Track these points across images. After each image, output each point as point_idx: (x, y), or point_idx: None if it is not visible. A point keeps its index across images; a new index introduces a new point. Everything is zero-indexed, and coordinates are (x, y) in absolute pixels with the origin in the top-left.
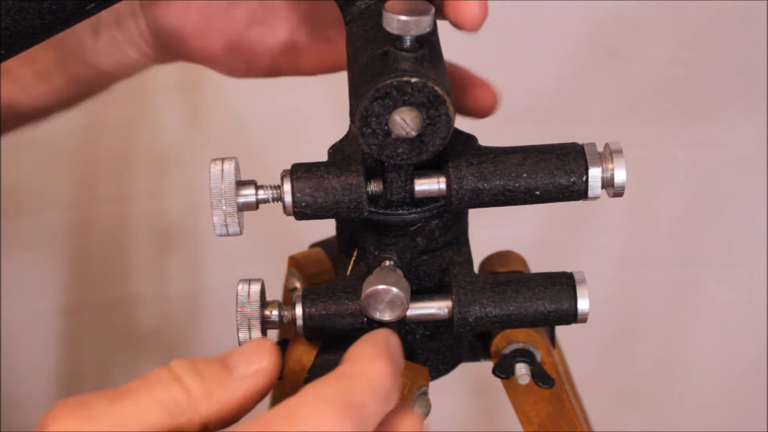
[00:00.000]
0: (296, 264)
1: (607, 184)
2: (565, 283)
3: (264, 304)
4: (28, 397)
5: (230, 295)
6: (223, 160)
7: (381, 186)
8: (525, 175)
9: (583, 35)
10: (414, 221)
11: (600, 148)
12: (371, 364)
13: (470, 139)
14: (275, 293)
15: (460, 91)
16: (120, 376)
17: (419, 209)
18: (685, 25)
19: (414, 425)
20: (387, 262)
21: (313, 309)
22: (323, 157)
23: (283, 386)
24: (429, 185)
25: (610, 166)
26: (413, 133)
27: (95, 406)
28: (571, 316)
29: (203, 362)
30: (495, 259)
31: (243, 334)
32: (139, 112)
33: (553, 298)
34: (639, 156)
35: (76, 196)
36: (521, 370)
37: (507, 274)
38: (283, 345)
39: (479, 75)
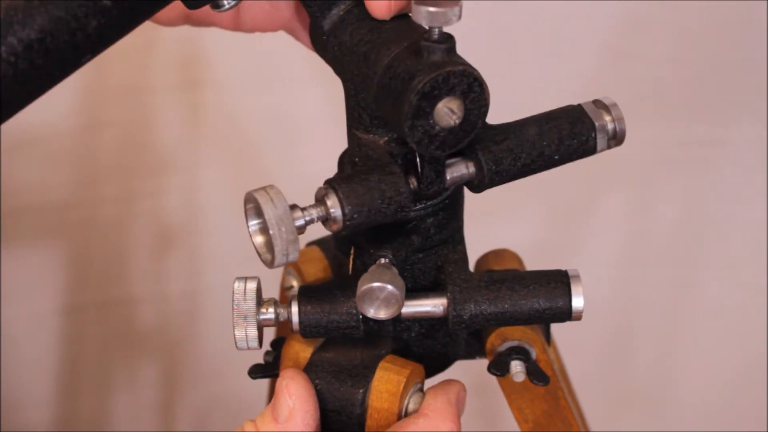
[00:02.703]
0: (293, 262)
1: (611, 135)
2: (559, 281)
3: (260, 302)
4: (28, 397)
5: (229, 295)
6: (266, 188)
7: (416, 182)
8: (545, 143)
9: (583, 36)
10: (409, 219)
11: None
12: (442, 423)
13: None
14: (272, 291)
15: None
16: (120, 376)
17: (415, 207)
18: (686, 25)
19: None
20: (382, 260)
21: (309, 307)
22: (321, 157)
23: None
24: (459, 171)
25: (609, 118)
26: (458, 121)
27: None
28: (566, 314)
29: (261, 418)
30: (490, 257)
31: (239, 332)
32: (139, 112)
33: (547, 295)
34: (639, 156)
35: (76, 196)
36: (516, 367)
37: (502, 272)
38: (280, 343)
39: None
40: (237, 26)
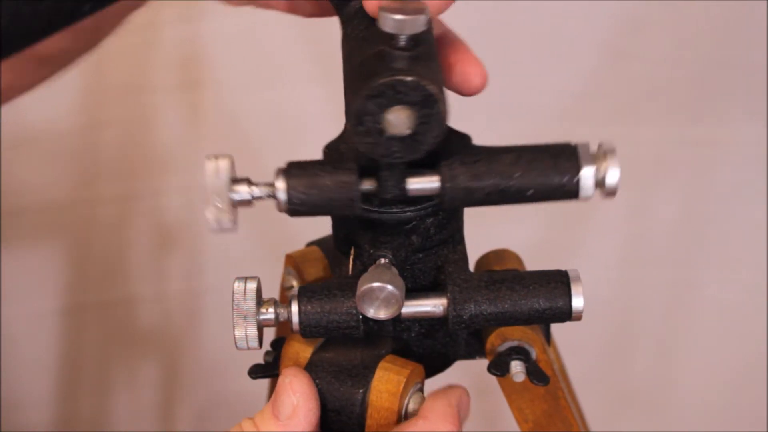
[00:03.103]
0: (293, 262)
1: (599, 184)
2: (559, 281)
3: (260, 302)
4: (28, 397)
5: (229, 295)
6: (218, 157)
7: (375, 184)
8: (518, 174)
9: (583, 36)
10: (409, 219)
11: (594, 148)
12: (442, 425)
13: (464, 138)
14: (272, 291)
15: (450, 65)
16: (120, 376)
17: (414, 207)
18: (685, 25)
19: None
20: (382, 260)
21: (309, 307)
22: (321, 157)
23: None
24: (422, 184)
25: (602, 166)
26: (407, 132)
27: None
28: (566, 314)
29: (260, 415)
30: (491, 257)
31: (239, 332)
32: (139, 112)
33: (547, 296)
34: (639, 156)
35: (76, 195)
36: (516, 367)
37: (502, 272)
38: (280, 343)
39: (472, 52)
40: (293, 9)
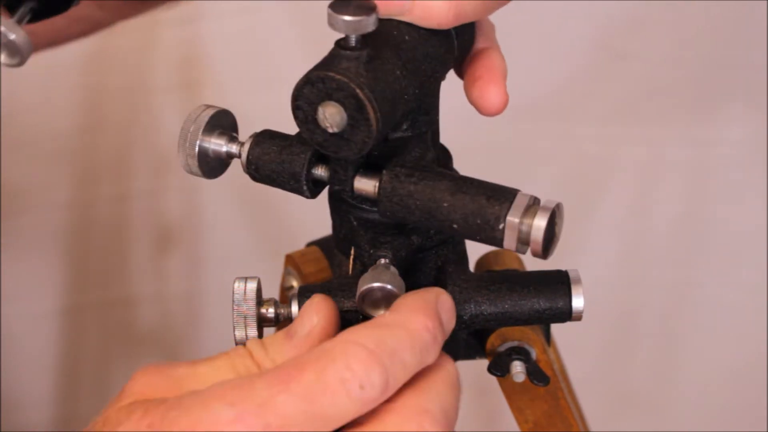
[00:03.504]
0: (293, 262)
1: (523, 239)
2: (559, 282)
3: (260, 302)
4: (28, 397)
5: (229, 295)
6: (207, 107)
7: (327, 174)
8: (446, 204)
9: (583, 35)
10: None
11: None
12: (412, 316)
13: (426, 153)
14: (273, 292)
15: (473, 80)
16: (120, 376)
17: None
18: (685, 25)
19: (448, 383)
20: (382, 260)
21: None
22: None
23: None
24: (366, 185)
25: (528, 221)
26: (333, 129)
27: (179, 368)
28: (566, 314)
29: (270, 337)
30: (491, 257)
31: (239, 332)
32: (139, 112)
33: (547, 296)
34: (639, 156)
35: (76, 196)
36: (516, 368)
37: (502, 272)
38: None
39: (500, 74)
40: None
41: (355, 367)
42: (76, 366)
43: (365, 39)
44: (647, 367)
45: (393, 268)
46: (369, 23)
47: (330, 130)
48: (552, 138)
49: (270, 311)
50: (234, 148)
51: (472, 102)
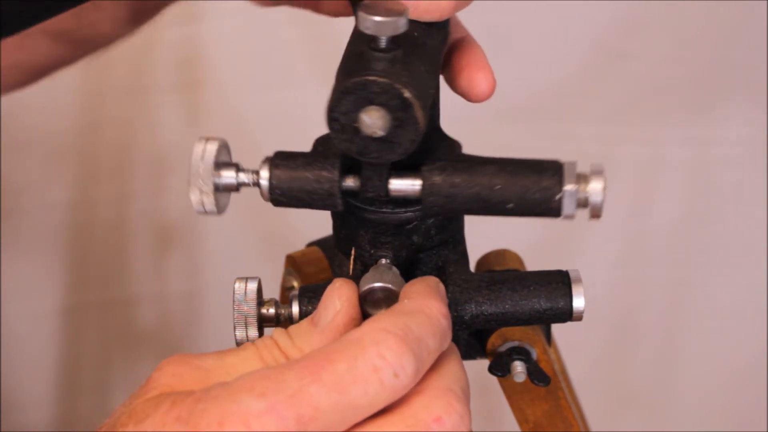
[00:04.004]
0: (293, 263)
1: (582, 204)
2: (560, 282)
3: (261, 302)
4: (28, 397)
5: (229, 295)
6: (208, 139)
7: (358, 182)
8: (498, 186)
9: (583, 35)
10: (410, 220)
11: (585, 168)
12: (428, 302)
13: (453, 145)
14: (273, 292)
15: (459, 70)
16: (120, 376)
17: (415, 208)
18: (685, 25)
19: (460, 364)
20: (383, 261)
21: (310, 307)
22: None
23: None
24: (404, 186)
25: (586, 186)
26: (380, 133)
27: (207, 359)
28: (567, 314)
29: (295, 326)
30: (491, 257)
31: (240, 333)
32: (139, 112)
33: (548, 296)
34: (639, 156)
35: (76, 196)
36: (517, 368)
37: (503, 272)
38: None
39: (484, 59)
40: (318, 8)
41: (387, 354)
42: (76, 366)
43: (394, 39)
44: (647, 367)
45: (394, 269)
46: (401, 24)
47: (375, 135)
48: (552, 138)
49: (270, 311)
50: (246, 178)
51: (460, 90)
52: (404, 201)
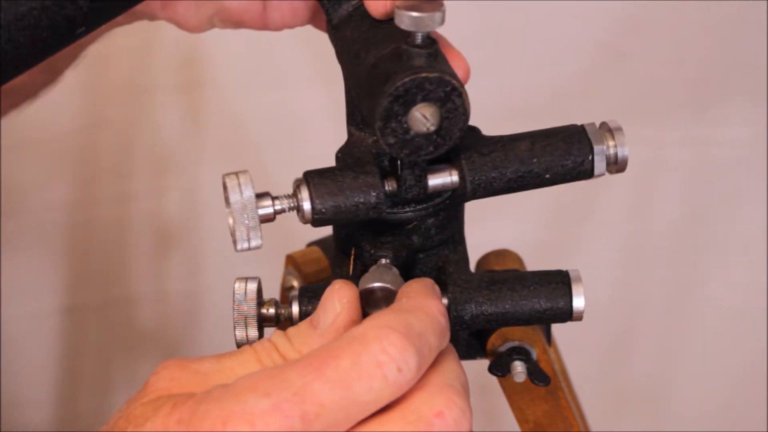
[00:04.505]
0: (293, 263)
1: (611, 161)
2: (560, 282)
3: (261, 302)
4: (28, 397)
5: (229, 295)
6: (237, 174)
7: (395, 184)
8: (535, 160)
9: (583, 36)
10: (410, 220)
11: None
12: (427, 301)
13: (474, 130)
14: (273, 292)
15: None
16: (120, 376)
17: (415, 208)
18: (686, 25)
19: (458, 361)
20: (383, 260)
21: (310, 307)
22: (322, 157)
23: None
24: (442, 179)
25: (612, 143)
26: (433, 128)
27: (204, 362)
28: (567, 314)
29: (294, 329)
30: (491, 257)
31: (239, 333)
32: (139, 112)
33: (548, 296)
34: (639, 156)
35: (76, 196)
36: (517, 368)
37: (503, 272)
38: None
39: (453, 46)
40: (265, 25)
41: (390, 350)
42: (76, 366)
43: (429, 35)
44: (647, 367)
45: (394, 269)
46: (439, 19)
47: (429, 131)
48: None
49: (271, 311)
50: (283, 204)
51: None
52: (404, 201)
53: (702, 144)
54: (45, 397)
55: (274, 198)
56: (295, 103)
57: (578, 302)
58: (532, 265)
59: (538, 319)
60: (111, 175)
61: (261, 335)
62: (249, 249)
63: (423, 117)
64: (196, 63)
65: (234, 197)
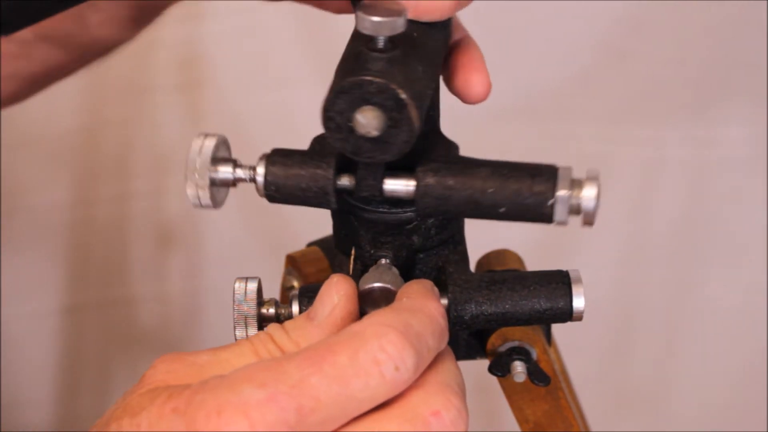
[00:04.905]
0: (293, 263)
1: (575, 210)
2: (560, 282)
3: (261, 302)
4: (28, 397)
5: (229, 295)
6: (207, 135)
7: (353, 181)
8: (491, 190)
9: (583, 35)
10: (410, 219)
11: (581, 173)
12: (427, 302)
13: (450, 146)
14: (273, 292)
15: (455, 70)
16: (120, 376)
17: (414, 208)
18: (686, 25)
19: (455, 362)
20: (383, 261)
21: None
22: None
23: None
24: (398, 186)
25: (579, 192)
26: (374, 133)
27: (201, 355)
28: (567, 314)
29: (291, 321)
30: (491, 257)
31: (239, 332)
32: (139, 112)
33: (548, 296)
34: (639, 156)
35: (76, 195)
36: (517, 368)
37: (503, 272)
38: None
39: (480, 60)
40: (323, 5)
41: (388, 348)
42: (76, 366)
43: (392, 40)
44: (647, 367)
45: (394, 269)
46: (399, 24)
47: (370, 135)
48: (553, 138)
49: (270, 311)
50: (243, 174)
51: (455, 91)
52: (403, 201)
53: (702, 144)
54: (45, 397)
55: (237, 166)
56: (295, 102)
57: (578, 302)
58: (532, 265)
59: (538, 319)
60: (111, 175)
61: None
62: (201, 207)
63: (364, 120)
64: (196, 63)
65: (191, 155)
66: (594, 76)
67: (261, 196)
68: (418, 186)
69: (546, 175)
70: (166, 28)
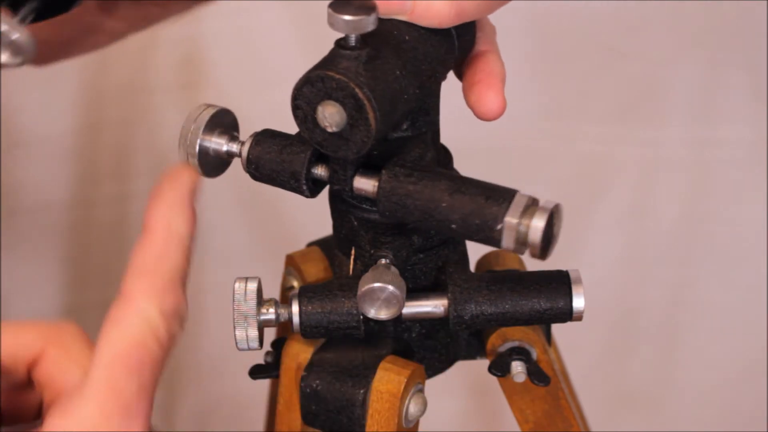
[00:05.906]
0: (293, 263)
1: (521, 240)
2: (560, 282)
3: (260, 302)
4: None
5: (229, 295)
6: (207, 106)
7: (327, 173)
8: (444, 204)
9: (583, 35)
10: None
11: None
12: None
13: (439, 153)
14: (273, 292)
15: (472, 84)
16: None
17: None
18: (685, 25)
19: None
20: (383, 261)
21: (310, 307)
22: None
23: (281, 384)
24: (365, 185)
25: (526, 222)
26: (333, 129)
27: None
28: (567, 314)
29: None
30: (491, 257)
31: (239, 332)
32: (139, 111)
33: (548, 296)
34: (639, 156)
35: (75, 195)
36: (517, 368)
37: (503, 272)
38: (280, 343)
39: (499, 79)
40: None
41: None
42: None
43: (365, 39)
44: (647, 367)
45: (394, 269)
46: (369, 23)
47: (329, 130)
48: (552, 138)
49: (270, 311)
50: (234, 147)
51: (469, 105)
52: (336, 192)
53: (702, 144)
54: None
55: (233, 140)
56: None
57: (578, 302)
58: (532, 265)
59: (538, 319)
60: (110, 175)
61: (261, 336)
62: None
63: (324, 114)
64: (196, 63)
65: (186, 123)
66: (594, 75)
67: (245, 170)
68: (378, 187)
69: (500, 198)
70: (166, 28)
